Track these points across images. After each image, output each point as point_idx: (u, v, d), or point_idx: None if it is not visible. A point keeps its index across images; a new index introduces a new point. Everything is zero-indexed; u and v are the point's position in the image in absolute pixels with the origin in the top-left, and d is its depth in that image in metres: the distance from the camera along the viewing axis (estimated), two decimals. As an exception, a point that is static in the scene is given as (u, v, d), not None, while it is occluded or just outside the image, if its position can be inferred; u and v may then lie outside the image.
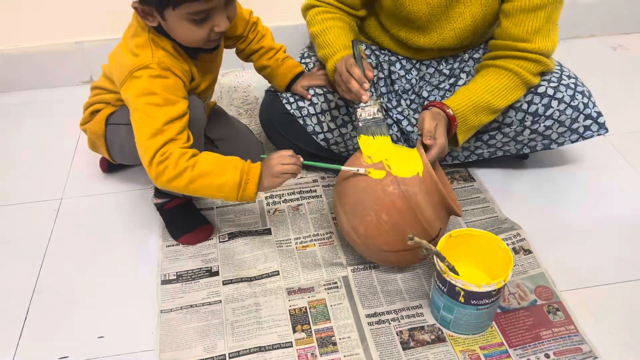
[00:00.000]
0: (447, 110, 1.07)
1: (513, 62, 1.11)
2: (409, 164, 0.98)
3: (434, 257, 0.91)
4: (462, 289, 0.89)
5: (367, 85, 1.04)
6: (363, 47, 1.29)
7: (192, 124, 1.00)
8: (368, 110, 1.04)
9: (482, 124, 1.12)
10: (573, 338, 0.95)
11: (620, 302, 1.02)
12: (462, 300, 0.90)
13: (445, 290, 0.92)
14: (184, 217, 1.18)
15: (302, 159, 1.00)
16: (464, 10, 1.15)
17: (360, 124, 1.04)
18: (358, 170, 0.99)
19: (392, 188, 0.96)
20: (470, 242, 0.96)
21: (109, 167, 1.35)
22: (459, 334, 0.96)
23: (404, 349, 0.95)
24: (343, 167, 1.01)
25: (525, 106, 1.16)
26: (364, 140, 1.03)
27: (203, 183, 0.96)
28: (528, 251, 1.10)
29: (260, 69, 1.28)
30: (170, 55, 1.00)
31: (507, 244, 1.11)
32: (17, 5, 1.58)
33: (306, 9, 1.25)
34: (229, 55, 1.31)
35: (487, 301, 0.90)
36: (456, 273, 0.90)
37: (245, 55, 1.28)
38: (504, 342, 0.95)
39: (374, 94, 1.27)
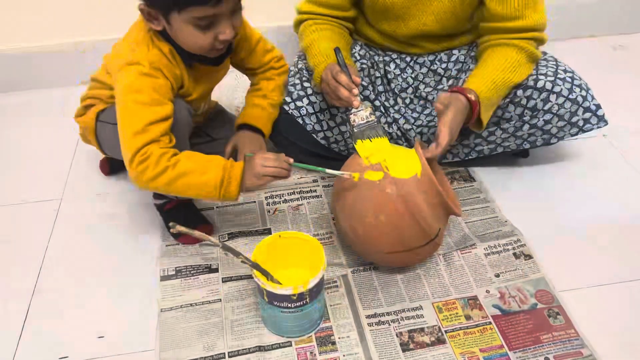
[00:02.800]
0: (469, 95, 1.06)
1: (514, 40, 1.12)
2: (407, 164, 0.97)
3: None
4: (264, 289, 0.88)
5: (356, 90, 1.04)
6: (358, 47, 1.29)
7: (176, 127, 1.00)
8: (360, 115, 1.04)
9: (500, 99, 1.13)
10: (573, 342, 0.95)
11: (620, 303, 1.02)
12: (267, 299, 0.91)
13: (256, 285, 0.92)
14: (184, 217, 1.18)
15: (291, 160, 0.98)
16: None
17: (355, 130, 1.04)
18: (343, 174, 0.98)
19: (390, 189, 0.95)
20: (299, 246, 0.93)
21: (111, 169, 1.34)
22: (273, 333, 0.97)
23: (403, 350, 0.95)
24: (328, 171, 0.99)
25: (524, 101, 1.15)
26: (360, 146, 1.03)
27: (184, 182, 0.96)
28: (529, 256, 1.10)
29: (251, 83, 1.27)
30: (165, 57, 1.01)
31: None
32: (17, 5, 1.58)
33: (297, 24, 1.27)
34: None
35: (289, 305, 0.89)
36: (257, 269, 0.88)
37: (251, 74, 1.26)
38: (504, 345, 0.95)
39: (370, 96, 1.27)
